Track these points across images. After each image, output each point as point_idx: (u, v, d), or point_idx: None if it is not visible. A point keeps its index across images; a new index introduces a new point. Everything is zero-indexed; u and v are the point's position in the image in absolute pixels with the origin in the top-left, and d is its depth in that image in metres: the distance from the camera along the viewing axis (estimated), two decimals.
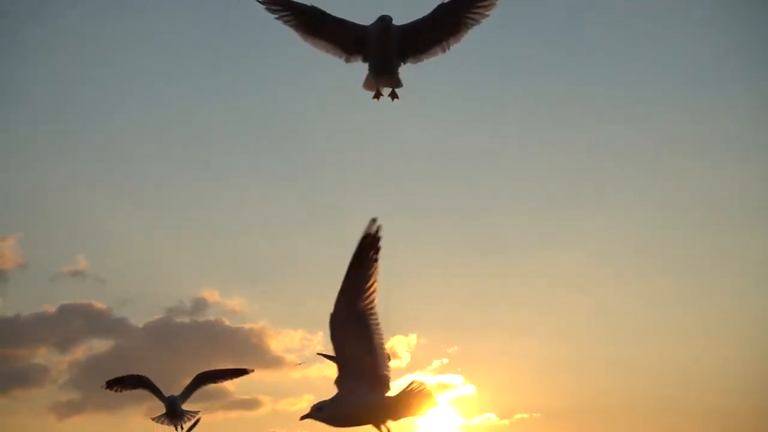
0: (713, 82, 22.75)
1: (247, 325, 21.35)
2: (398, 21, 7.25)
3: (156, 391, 12.60)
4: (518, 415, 19.96)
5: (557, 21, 22.38)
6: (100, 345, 20.60)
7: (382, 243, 5.81)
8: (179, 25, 22.90)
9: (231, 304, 21.25)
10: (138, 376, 12.48)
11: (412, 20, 7.42)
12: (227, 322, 21.04)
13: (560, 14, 22.31)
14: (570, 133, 22.88)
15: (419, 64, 7.47)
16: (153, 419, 12.66)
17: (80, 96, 22.75)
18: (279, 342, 21.77)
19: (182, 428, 12.59)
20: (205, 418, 20.42)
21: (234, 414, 20.09)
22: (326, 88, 21.94)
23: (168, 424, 12.65)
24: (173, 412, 12.50)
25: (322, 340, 21.00)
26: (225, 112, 23.39)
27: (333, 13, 7.45)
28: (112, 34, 22.61)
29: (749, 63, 21.04)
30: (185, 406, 12.98)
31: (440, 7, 7.31)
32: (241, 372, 13.01)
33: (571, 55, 22.85)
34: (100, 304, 20.79)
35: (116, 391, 12.38)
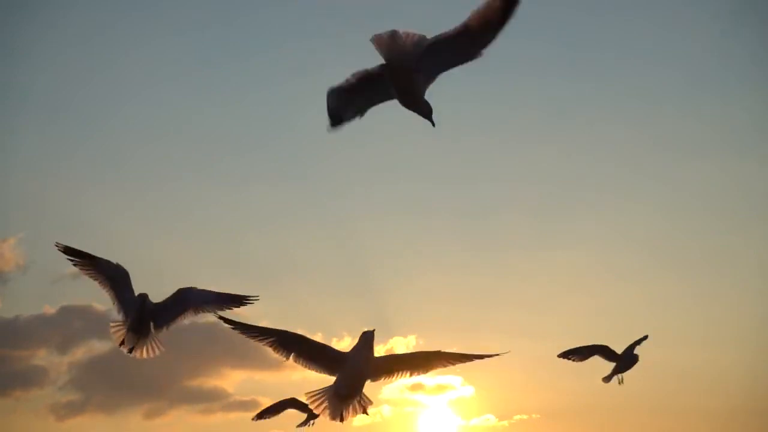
0: (713, 82, 22.80)
1: None
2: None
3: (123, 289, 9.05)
4: (517, 416, 19.98)
5: (558, 21, 22.41)
6: (99, 346, 20.61)
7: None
8: (180, 27, 22.94)
9: None
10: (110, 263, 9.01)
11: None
12: None
13: (561, 15, 22.34)
14: (570, 133, 22.91)
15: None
16: (112, 324, 9.16)
17: (81, 98, 22.80)
18: None
19: (139, 353, 9.17)
20: (205, 419, 20.41)
21: (233, 415, 20.12)
22: (327, 88, 21.93)
23: (126, 341, 9.07)
24: (140, 320, 8.96)
25: (321, 340, 20.98)
26: (225, 113, 23.43)
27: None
28: (113, 37, 22.66)
29: (750, 63, 21.05)
30: None
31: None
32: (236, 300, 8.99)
33: (571, 55, 22.88)
34: (100, 306, 20.77)
35: (84, 270, 9.02)
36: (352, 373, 7.68)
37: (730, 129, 22.56)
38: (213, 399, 20.70)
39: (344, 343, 20.95)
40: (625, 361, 12.62)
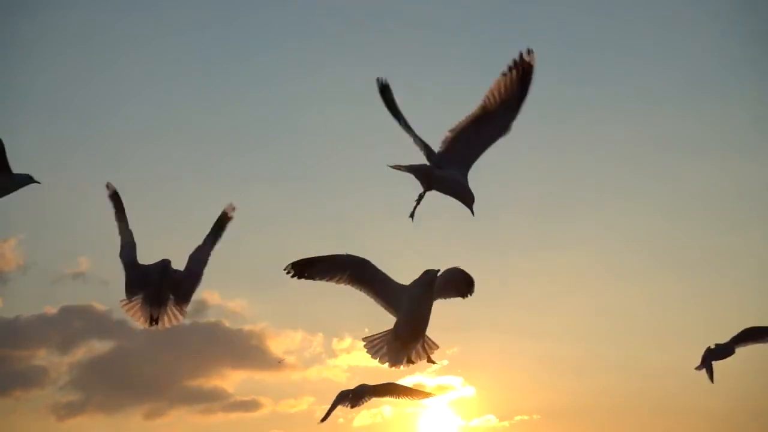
0: (713, 82, 22.77)
1: (247, 327, 21.37)
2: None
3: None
4: (518, 417, 19.97)
5: (558, 21, 22.39)
6: (100, 346, 20.62)
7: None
8: (180, 27, 22.93)
9: (231, 305, 21.22)
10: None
11: None
12: (227, 323, 21.06)
13: (561, 15, 22.33)
14: (570, 133, 22.89)
15: None
16: (122, 302, 8.32)
17: (81, 98, 22.77)
18: (279, 343, 21.78)
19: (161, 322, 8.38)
20: (205, 419, 20.41)
21: (234, 416, 20.11)
22: (327, 88, 21.95)
23: (143, 312, 8.27)
24: (158, 290, 8.22)
25: (322, 341, 20.99)
26: (225, 113, 23.40)
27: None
28: (113, 37, 22.64)
29: (749, 63, 21.04)
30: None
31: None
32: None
33: (571, 55, 22.86)
34: (101, 306, 20.78)
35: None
36: (415, 313, 7.01)
37: (730, 129, 22.55)
38: (213, 399, 20.70)
39: (345, 344, 20.95)
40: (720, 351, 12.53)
